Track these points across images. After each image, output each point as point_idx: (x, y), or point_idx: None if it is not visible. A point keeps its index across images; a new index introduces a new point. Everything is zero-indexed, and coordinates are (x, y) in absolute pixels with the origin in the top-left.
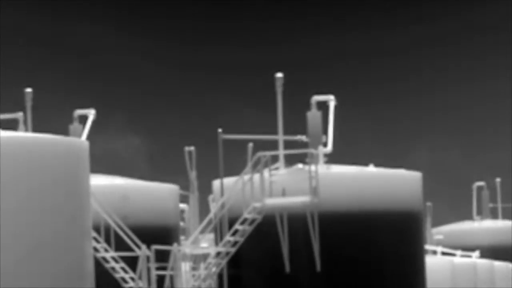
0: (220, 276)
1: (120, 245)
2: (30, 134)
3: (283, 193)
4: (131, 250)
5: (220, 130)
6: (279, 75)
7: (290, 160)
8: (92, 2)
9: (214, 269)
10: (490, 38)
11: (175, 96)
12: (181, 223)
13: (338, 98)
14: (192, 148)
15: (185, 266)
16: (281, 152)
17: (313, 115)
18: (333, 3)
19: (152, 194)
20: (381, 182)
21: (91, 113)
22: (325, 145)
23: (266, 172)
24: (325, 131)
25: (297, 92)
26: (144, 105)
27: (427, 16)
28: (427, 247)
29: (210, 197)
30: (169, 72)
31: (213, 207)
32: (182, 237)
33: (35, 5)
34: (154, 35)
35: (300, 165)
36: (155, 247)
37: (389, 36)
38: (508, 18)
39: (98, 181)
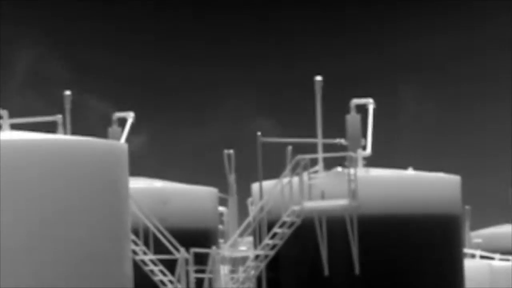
0: (258, 279)
1: (159, 248)
2: (69, 137)
3: (322, 196)
4: (170, 253)
5: (259, 133)
6: (318, 78)
7: (329, 163)
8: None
9: (252, 272)
10: None
11: (214, 99)
12: (220, 226)
13: (377, 102)
14: (231, 151)
15: (224, 269)
16: (320, 155)
17: (352, 118)
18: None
19: (191, 197)
20: (420, 186)
21: (130, 116)
22: (364, 148)
23: (305, 175)
24: (364, 134)
25: (337, 95)
26: (185, 110)
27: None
28: (466, 250)
29: (249, 200)
30: (211, 75)
31: (252, 210)
32: (221, 240)
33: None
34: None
35: (339, 168)
36: (194, 250)
37: (431, 39)
38: None
39: (137, 183)
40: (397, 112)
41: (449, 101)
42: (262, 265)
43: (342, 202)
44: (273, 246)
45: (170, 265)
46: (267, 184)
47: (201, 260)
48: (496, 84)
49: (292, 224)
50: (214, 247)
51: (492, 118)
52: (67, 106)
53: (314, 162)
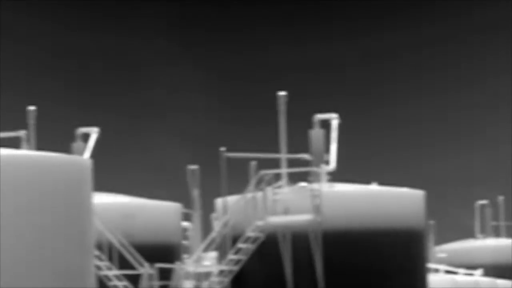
0: None
1: (123, 263)
2: (33, 152)
3: (286, 211)
4: (134, 268)
5: (222, 148)
6: (282, 93)
7: (293, 179)
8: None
9: None
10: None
11: (178, 115)
12: (184, 241)
13: (341, 116)
14: (195, 166)
15: (188, 284)
16: (284, 170)
17: (316, 133)
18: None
19: (155, 212)
20: (384, 200)
21: (94, 131)
22: (327, 163)
23: (269, 191)
24: (327, 149)
25: (300, 110)
26: (148, 125)
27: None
28: (430, 265)
29: (213, 215)
30: (171, 89)
31: (216, 225)
32: (185, 255)
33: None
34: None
35: (303, 183)
36: (158, 265)
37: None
38: None
39: (101, 199)
40: (363, 126)
41: (412, 114)
42: (227, 280)
43: (306, 217)
44: (237, 261)
45: (134, 280)
46: (231, 199)
47: (165, 275)
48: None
49: (256, 239)
50: (178, 262)
51: (455, 130)
52: (31, 121)
53: (278, 177)
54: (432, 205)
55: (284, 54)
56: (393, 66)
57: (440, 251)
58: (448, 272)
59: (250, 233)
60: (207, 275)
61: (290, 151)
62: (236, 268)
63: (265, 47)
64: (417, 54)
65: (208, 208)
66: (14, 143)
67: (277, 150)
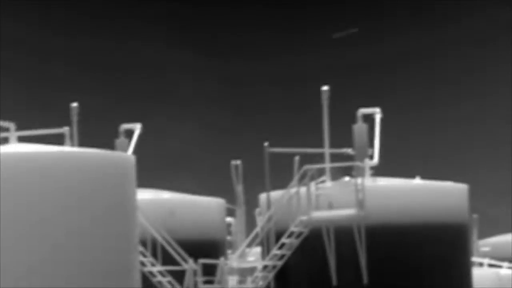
0: None
1: (167, 259)
2: (77, 149)
3: (330, 206)
4: (178, 264)
5: (266, 143)
6: (325, 88)
7: (337, 173)
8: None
9: (261, 283)
10: None
11: (221, 110)
12: (228, 237)
13: (384, 110)
14: (238, 162)
15: (232, 280)
16: (328, 165)
17: (359, 128)
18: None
19: (198, 208)
20: (427, 195)
21: (137, 127)
22: (371, 157)
23: (312, 185)
24: (371, 144)
25: (344, 105)
26: (192, 120)
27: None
28: (474, 259)
29: (257, 211)
30: (216, 86)
31: (260, 221)
32: (229, 251)
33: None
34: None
35: (346, 178)
36: (202, 261)
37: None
38: None
39: (145, 195)
40: (405, 120)
41: (459, 110)
42: (270, 275)
43: (349, 212)
44: (281, 257)
45: (179, 276)
46: (275, 194)
47: (209, 271)
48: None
49: (300, 234)
50: (222, 258)
51: (501, 124)
52: (74, 118)
53: (321, 172)
54: (476, 199)
55: (329, 51)
56: (436, 64)
57: (483, 245)
58: (491, 265)
59: (293, 228)
60: (251, 270)
61: (333, 146)
62: (280, 263)
63: (315, 44)
64: (462, 52)
65: (251, 204)
66: (58, 140)
67: (320, 145)
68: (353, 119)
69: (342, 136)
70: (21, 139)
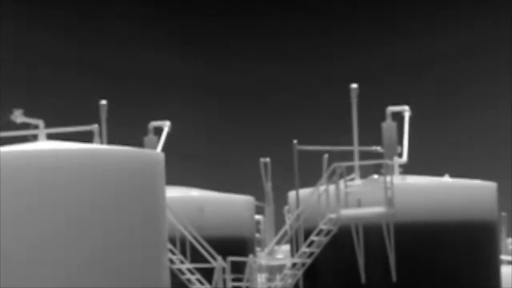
0: (296, 287)
1: (196, 256)
2: (106, 147)
3: (359, 204)
4: (206, 261)
5: (295, 141)
6: (354, 86)
7: (366, 171)
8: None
9: (290, 281)
10: None
11: (251, 107)
12: (257, 235)
13: (413, 108)
14: (267, 159)
15: (261, 278)
16: (357, 163)
17: (388, 125)
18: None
19: (227, 206)
20: (456, 193)
21: (166, 125)
22: (400, 155)
23: (341, 183)
24: (400, 142)
25: (372, 103)
26: (220, 117)
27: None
28: (503, 257)
29: (286, 208)
30: (245, 85)
31: (289, 218)
32: (257, 249)
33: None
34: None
35: (375, 176)
36: (231, 258)
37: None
38: None
39: (174, 193)
40: (434, 119)
41: (487, 108)
42: (299, 273)
43: (378, 209)
44: (310, 254)
45: (207, 274)
46: (304, 192)
47: (238, 268)
48: None
49: (329, 232)
50: (251, 256)
51: None
52: (103, 115)
53: (350, 170)
54: (504, 197)
55: (359, 50)
56: (467, 64)
57: None
58: None
59: (322, 226)
60: (279, 268)
61: (362, 143)
62: (309, 261)
63: (343, 44)
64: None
65: (280, 201)
66: (86, 137)
67: (349, 143)
68: (382, 117)
69: (371, 134)
70: (50, 137)
